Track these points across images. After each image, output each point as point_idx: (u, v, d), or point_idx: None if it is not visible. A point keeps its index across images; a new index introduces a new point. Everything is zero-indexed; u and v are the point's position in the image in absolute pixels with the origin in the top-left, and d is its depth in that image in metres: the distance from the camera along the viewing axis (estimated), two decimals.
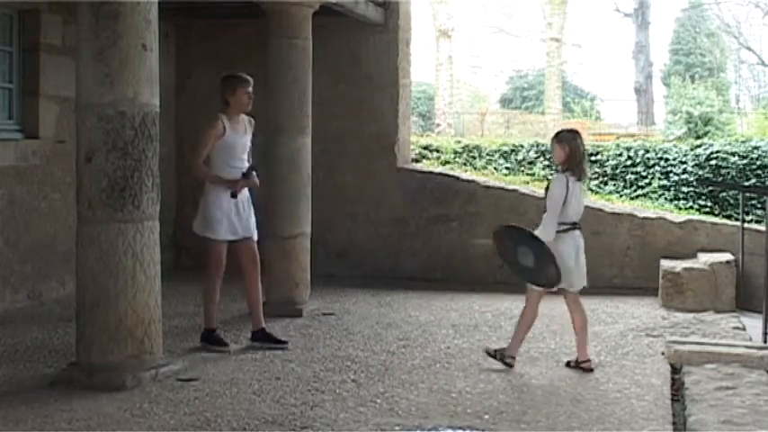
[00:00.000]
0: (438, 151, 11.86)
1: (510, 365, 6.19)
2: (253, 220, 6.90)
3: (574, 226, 6.19)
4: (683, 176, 11.47)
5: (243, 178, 6.74)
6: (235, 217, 6.73)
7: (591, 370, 6.13)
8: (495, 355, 6.26)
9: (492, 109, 34.05)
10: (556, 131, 6.52)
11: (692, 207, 11.15)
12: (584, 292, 8.97)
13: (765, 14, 34.89)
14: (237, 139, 6.80)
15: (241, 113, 6.87)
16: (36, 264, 8.42)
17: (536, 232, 6.11)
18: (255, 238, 6.93)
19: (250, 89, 6.85)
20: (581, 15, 39.69)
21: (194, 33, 10.80)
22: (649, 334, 7.34)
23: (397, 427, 4.89)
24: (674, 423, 5.07)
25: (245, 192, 6.84)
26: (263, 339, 6.84)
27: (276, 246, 8.08)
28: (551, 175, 11.63)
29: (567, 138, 6.26)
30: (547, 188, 6.25)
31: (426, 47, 29.24)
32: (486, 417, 5.09)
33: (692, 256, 9.12)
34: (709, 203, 11.28)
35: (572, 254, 6.16)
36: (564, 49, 30.42)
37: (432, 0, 28.44)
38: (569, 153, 6.18)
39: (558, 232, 6.11)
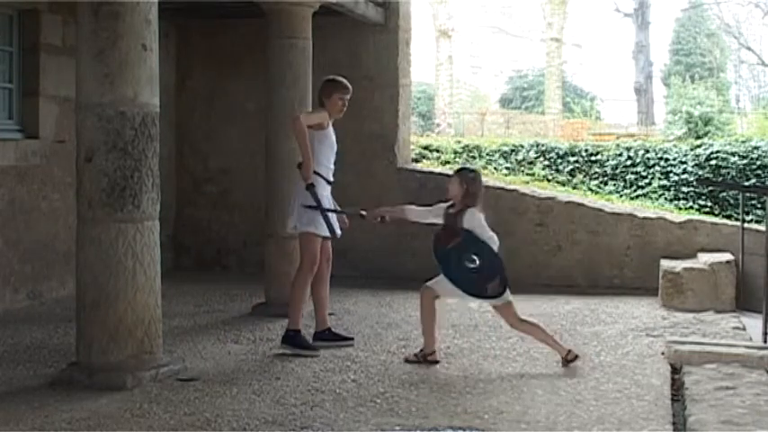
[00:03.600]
0: (438, 151, 11.86)
1: (435, 362, 6.29)
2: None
3: None
4: (683, 176, 11.47)
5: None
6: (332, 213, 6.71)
7: (575, 357, 6.23)
8: (418, 359, 6.32)
9: (492, 109, 34.10)
10: (458, 167, 6.55)
11: (691, 207, 11.15)
12: (585, 291, 9.06)
13: (765, 14, 34.93)
14: (333, 138, 6.79)
15: (333, 118, 6.81)
16: (36, 264, 8.42)
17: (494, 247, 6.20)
18: (339, 234, 6.82)
19: (347, 97, 6.80)
20: (581, 15, 39.87)
21: (194, 33, 10.80)
22: (649, 334, 7.33)
23: (397, 427, 4.89)
24: (674, 423, 5.06)
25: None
26: (330, 339, 6.75)
27: (276, 246, 8.07)
28: (551, 175, 11.69)
29: (468, 177, 6.27)
30: (461, 224, 6.17)
31: (426, 47, 29.27)
32: (486, 417, 5.09)
33: (692, 256, 9.12)
34: (709, 203, 11.28)
35: None
36: (564, 49, 30.51)
37: (432, 0, 28.48)
38: (465, 192, 6.20)
39: None
